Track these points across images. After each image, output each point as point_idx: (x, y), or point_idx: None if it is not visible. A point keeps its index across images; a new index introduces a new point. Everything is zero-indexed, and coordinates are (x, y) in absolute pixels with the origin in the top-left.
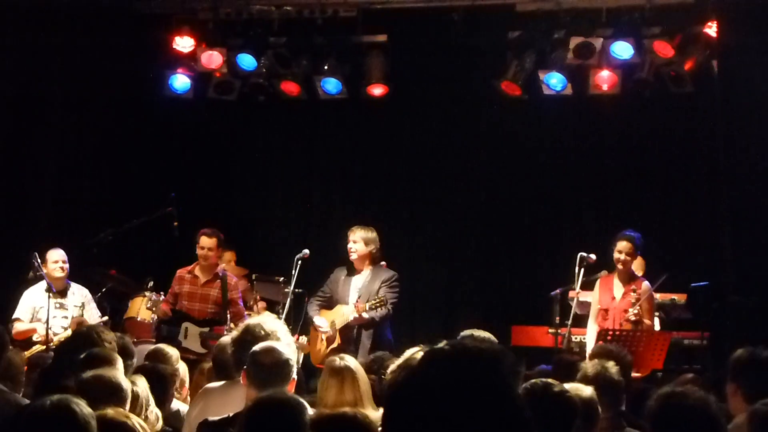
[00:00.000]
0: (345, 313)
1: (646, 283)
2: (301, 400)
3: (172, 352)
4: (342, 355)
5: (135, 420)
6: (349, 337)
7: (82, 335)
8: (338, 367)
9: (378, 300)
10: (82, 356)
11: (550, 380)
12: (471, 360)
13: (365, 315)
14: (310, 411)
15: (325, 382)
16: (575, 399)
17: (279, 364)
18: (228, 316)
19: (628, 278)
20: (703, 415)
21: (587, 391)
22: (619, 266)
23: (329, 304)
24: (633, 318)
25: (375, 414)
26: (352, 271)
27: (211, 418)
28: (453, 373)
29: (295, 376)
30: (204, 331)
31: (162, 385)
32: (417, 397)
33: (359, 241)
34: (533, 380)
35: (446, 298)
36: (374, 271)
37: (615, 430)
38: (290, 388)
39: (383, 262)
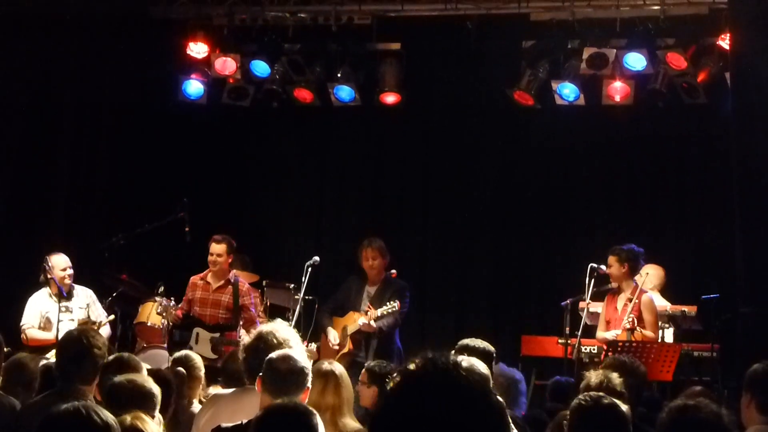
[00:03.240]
0: (356, 319)
1: (646, 295)
2: (311, 408)
3: (197, 358)
4: (331, 360)
5: (150, 426)
6: (359, 342)
7: (72, 340)
8: (324, 370)
9: (391, 306)
10: (109, 360)
11: (600, 393)
12: (445, 379)
13: (373, 323)
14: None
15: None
16: (625, 412)
17: (295, 372)
18: (240, 322)
19: (628, 290)
20: (715, 429)
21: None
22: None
23: (340, 312)
24: (628, 326)
25: (353, 424)
26: (365, 279)
27: (224, 425)
28: (428, 397)
29: (309, 384)
30: (215, 337)
31: (165, 390)
32: (396, 424)
33: (378, 257)
34: (584, 394)
35: (456, 307)
36: (386, 281)
37: None
38: (304, 396)
39: (393, 271)
